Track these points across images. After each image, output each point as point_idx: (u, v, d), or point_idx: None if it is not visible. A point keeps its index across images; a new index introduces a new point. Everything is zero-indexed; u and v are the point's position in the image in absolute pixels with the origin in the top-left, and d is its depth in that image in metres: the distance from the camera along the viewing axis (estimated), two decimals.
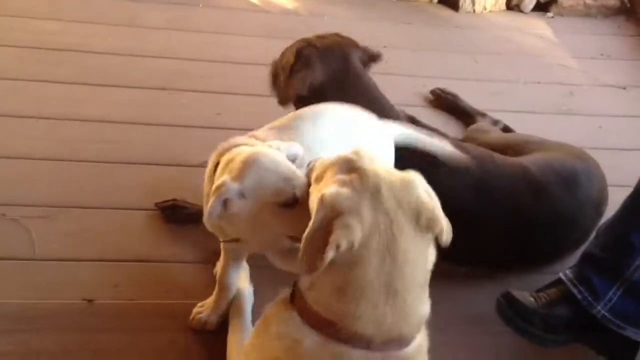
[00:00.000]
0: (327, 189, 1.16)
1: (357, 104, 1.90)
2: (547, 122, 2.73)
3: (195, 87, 2.63)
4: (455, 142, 2.07)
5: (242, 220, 1.38)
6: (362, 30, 2.05)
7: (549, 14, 3.66)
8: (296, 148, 1.47)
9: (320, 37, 2.01)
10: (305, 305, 1.19)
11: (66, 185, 2.09)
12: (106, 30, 2.91)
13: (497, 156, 2.02)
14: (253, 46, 2.93)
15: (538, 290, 1.77)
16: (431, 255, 1.19)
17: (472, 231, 1.88)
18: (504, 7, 3.67)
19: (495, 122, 2.55)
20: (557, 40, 3.44)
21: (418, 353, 1.20)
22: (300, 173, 1.38)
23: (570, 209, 1.94)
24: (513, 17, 3.62)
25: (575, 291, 1.70)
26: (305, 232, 1.14)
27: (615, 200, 1.87)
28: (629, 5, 3.69)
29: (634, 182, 1.78)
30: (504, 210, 1.90)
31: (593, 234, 1.90)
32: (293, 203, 1.34)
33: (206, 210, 1.38)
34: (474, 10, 3.58)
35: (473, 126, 2.51)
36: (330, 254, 1.10)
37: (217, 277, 1.70)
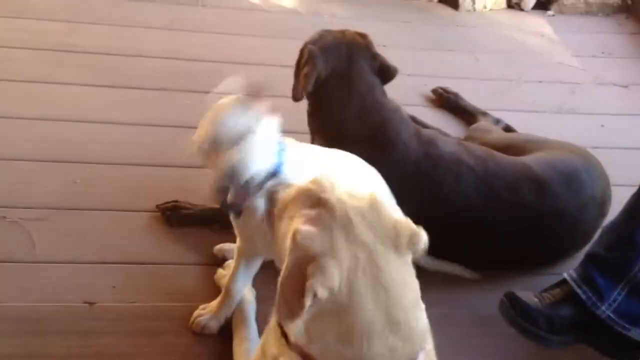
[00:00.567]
0: (296, 228, 1.07)
1: (357, 104, 1.90)
2: (549, 121, 2.72)
3: (195, 87, 2.62)
4: (457, 142, 2.06)
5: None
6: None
7: (550, 12, 3.65)
8: None
9: (341, 32, 1.97)
10: (309, 357, 1.11)
11: (66, 187, 2.08)
12: (106, 30, 2.90)
13: (499, 155, 2.01)
14: (253, 46, 2.91)
15: (542, 291, 1.76)
16: (412, 267, 1.13)
17: (480, 232, 1.88)
18: (504, 5, 3.66)
19: (497, 121, 2.54)
20: (558, 39, 3.43)
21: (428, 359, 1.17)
22: None
23: (573, 208, 1.93)
24: (513, 16, 3.61)
25: (579, 291, 1.69)
26: (280, 277, 1.07)
27: (619, 199, 1.86)
28: (629, 2, 3.68)
29: (637, 181, 1.78)
30: (507, 209, 1.89)
31: (597, 234, 1.89)
32: None
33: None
34: (474, 9, 3.57)
35: (474, 125, 2.50)
36: (308, 302, 1.02)
37: (225, 282, 1.69)
